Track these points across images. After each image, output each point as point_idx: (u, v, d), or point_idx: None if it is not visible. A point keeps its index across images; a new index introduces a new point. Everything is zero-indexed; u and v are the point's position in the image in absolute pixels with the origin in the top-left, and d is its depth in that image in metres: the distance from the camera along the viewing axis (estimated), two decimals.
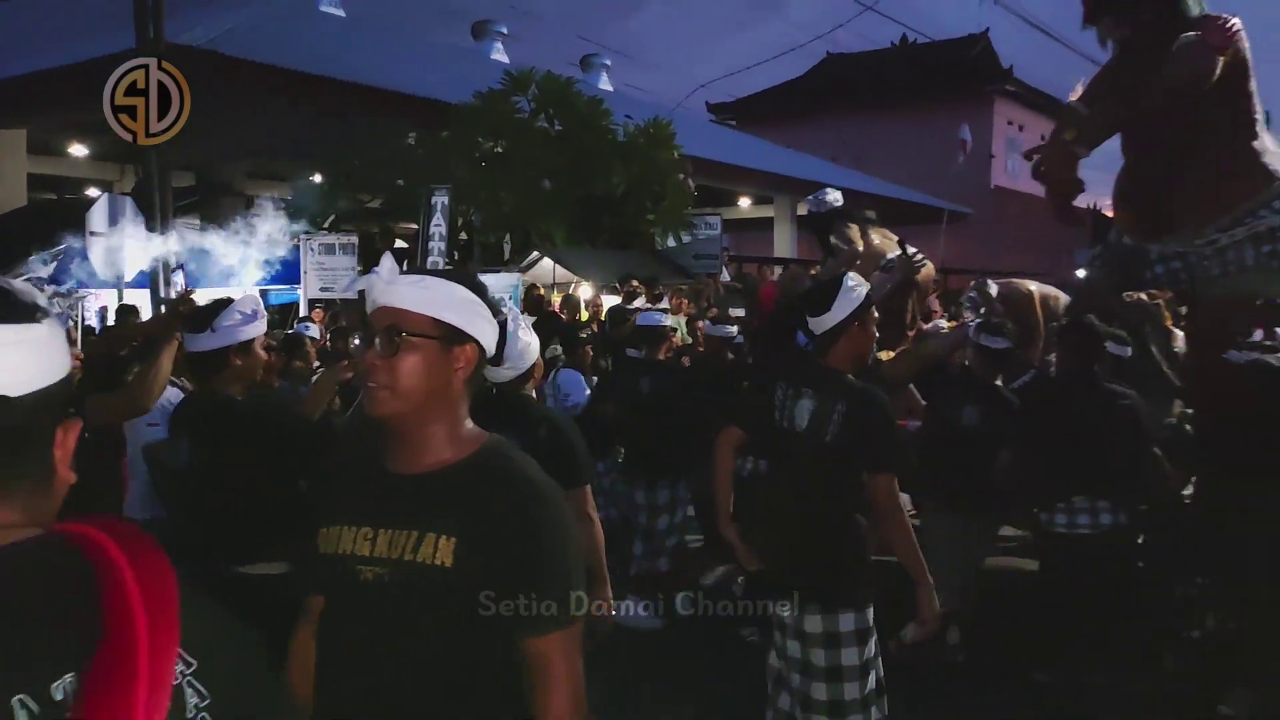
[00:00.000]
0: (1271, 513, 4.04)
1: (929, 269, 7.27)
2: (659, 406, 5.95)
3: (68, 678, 0.95)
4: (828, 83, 36.90)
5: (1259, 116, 5.23)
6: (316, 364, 7.18)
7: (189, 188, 17.06)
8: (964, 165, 19.26)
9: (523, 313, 9.76)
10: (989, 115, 32.64)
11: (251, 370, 3.52)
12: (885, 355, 5.56)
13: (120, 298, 9.84)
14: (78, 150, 17.79)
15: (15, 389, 1.02)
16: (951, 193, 17.71)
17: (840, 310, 3.35)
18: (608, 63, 25.82)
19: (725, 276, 15.67)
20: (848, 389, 3.32)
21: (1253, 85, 5.15)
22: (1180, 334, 6.85)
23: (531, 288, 11.88)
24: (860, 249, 6.97)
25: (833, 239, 7.07)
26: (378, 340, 1.72)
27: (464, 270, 1.89)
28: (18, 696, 0.93)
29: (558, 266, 13.43)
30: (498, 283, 11.90)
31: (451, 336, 1.77)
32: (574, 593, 1.73)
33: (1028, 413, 5.04)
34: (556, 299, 11.90)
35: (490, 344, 1.85)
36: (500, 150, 14.63)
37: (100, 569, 1.01)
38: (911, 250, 6.67)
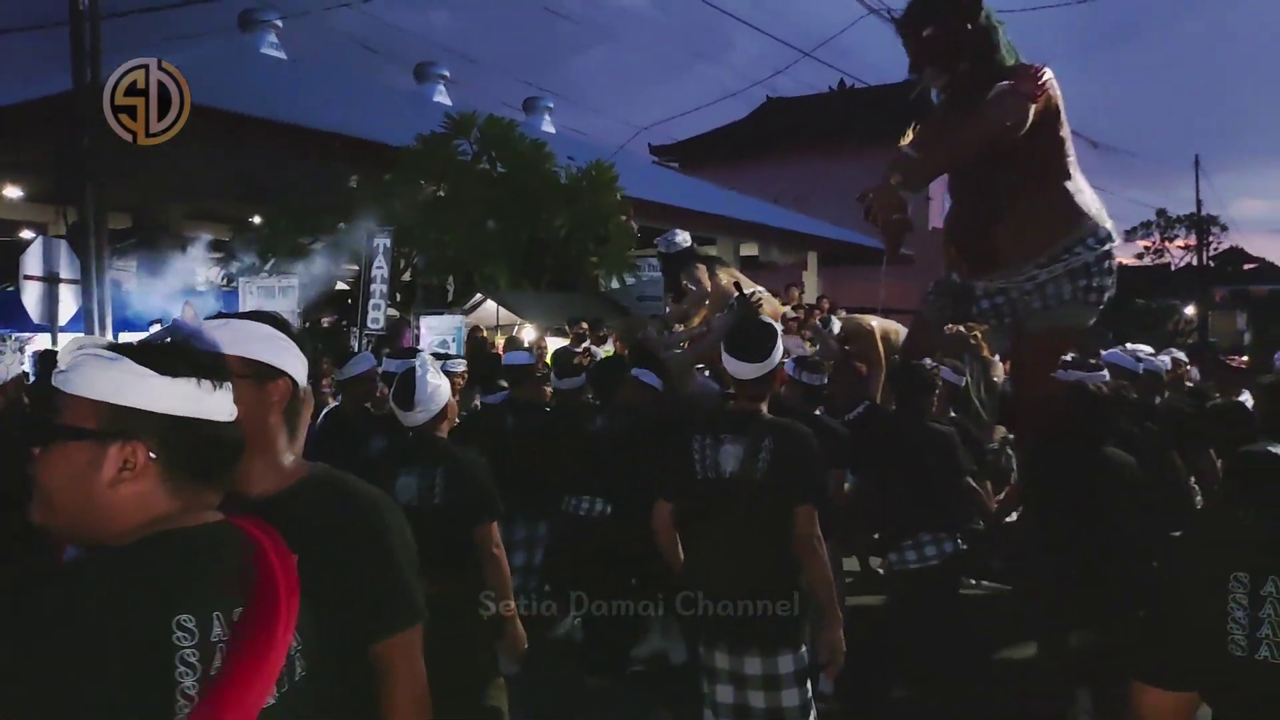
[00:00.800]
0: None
1: (772, 306, 7.40)
2: (520, 444, 5.92)
3: (235, 610, 1.34)
4: (768, 126, 37.36)
5: (1072, 158, 5.66)
6: None
7: (125, 230, 16.83)
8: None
9: (465, 355, 9.76)
10: None
11: None
12: None
13: (54, 341, 9.66)
14: (12, 192, 17.47)
15: (232, 415, 1.48)
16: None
17: (777, 356, 3.42)
18: (550, 105, 25.96)
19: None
20: (771, 426, 3.39)
21: (1065, 131, 5.58)
22: (999, 363, 7.46)
23: (474, 330, 11.86)
24: (708, 289, 7.24)
25: (683, 279, 7.34)
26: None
27: (267, 312, 1.92)
28: (181, 617, 1.28)
29: (501, 308, 13.41)
30: (441, 325, 11.87)
31: (264, 372, 1.80)
32: (410, 596, 1.84)
33: (860, 444, 5.15)
34: (500, 341, 11.87)
35: (301, 377, 1.88)
36: (442, 193, 14.62)
37: (255, 546, 1.42)
38: (749, 290, 6.84)
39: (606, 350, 10.63)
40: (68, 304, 9.85)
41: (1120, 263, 6.54)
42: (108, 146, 10.28)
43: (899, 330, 7.25)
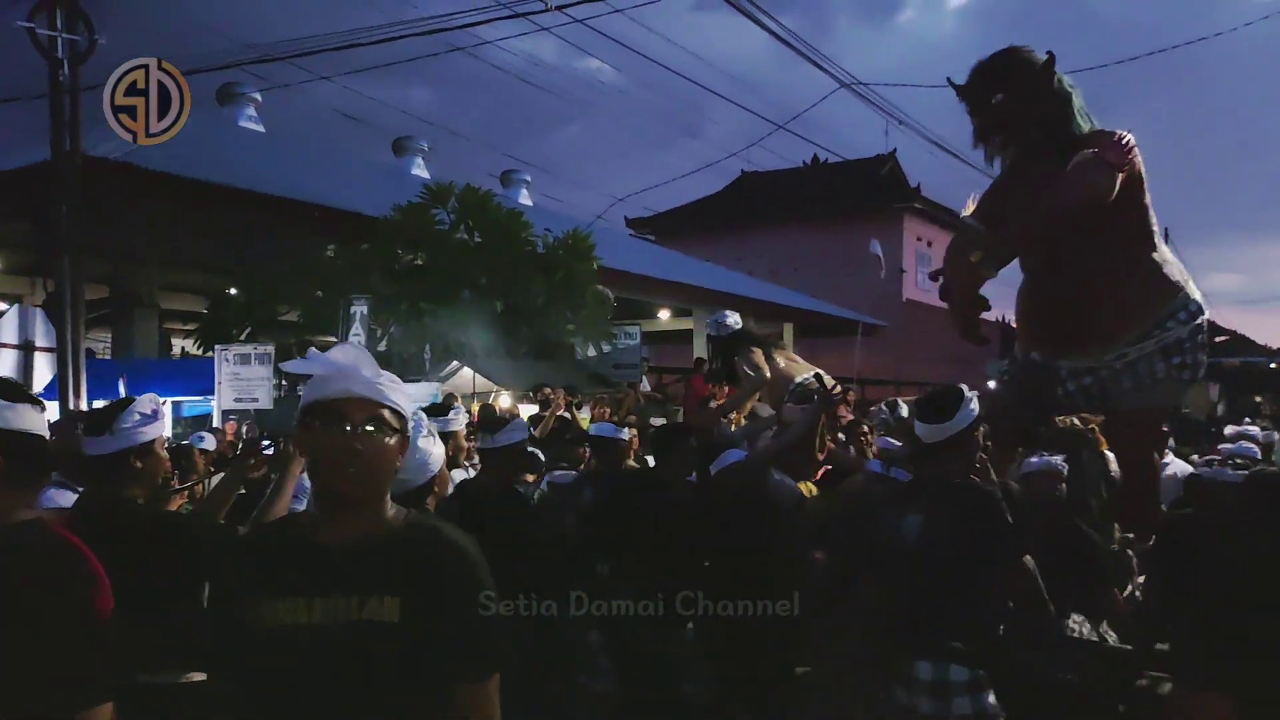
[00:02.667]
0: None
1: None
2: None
3: None
4: (743, 199, 37.90)
5: (1156, 228, 5.30)
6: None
7: (100, 300, 16.82)
8: (877, 279, 19.87)
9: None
10: (899, 231, 33.76)
11: (153, 473, 3.40)
12: (804, 487, 5.48)
13: None
14: None
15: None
16: (865, 306, 18.19)
17: (963, 419, 3.47)
18: (527, 178, 26.26)
19: (645, 386, 15.80)
20: (956, 491, 3.42)
21: (1148, 198, 5.20)
22: (1113, 456, 6.59)
23: (450, 397, 11.85)
24: (767, 375, 6.80)
25: (740, 364, 6.88)
26: (360, 428, 1.88)
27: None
28: None
29: (477, 376, 13.43)
30: (417, 392, 11.85)
31: (403, 424, 1.99)
32: (498, 646, 1.95)
33: None
34: (475, 408, 11.87)
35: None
36: (420, 261, 14.71)
37: None
38: (830, 382, 6.35)
39: (583, 417, 10.66)
40: (43, 372, 9.80)
41: None
42: (85, 217, 10.35)
43: None
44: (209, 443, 8.47)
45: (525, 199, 24.62)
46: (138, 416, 3.30)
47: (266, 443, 3.99)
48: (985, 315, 5.23)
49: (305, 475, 3.29)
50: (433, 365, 14.54)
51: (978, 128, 5.26)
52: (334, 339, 12.46)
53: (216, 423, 11.34)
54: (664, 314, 24.85)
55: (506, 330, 14.75)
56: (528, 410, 11.16)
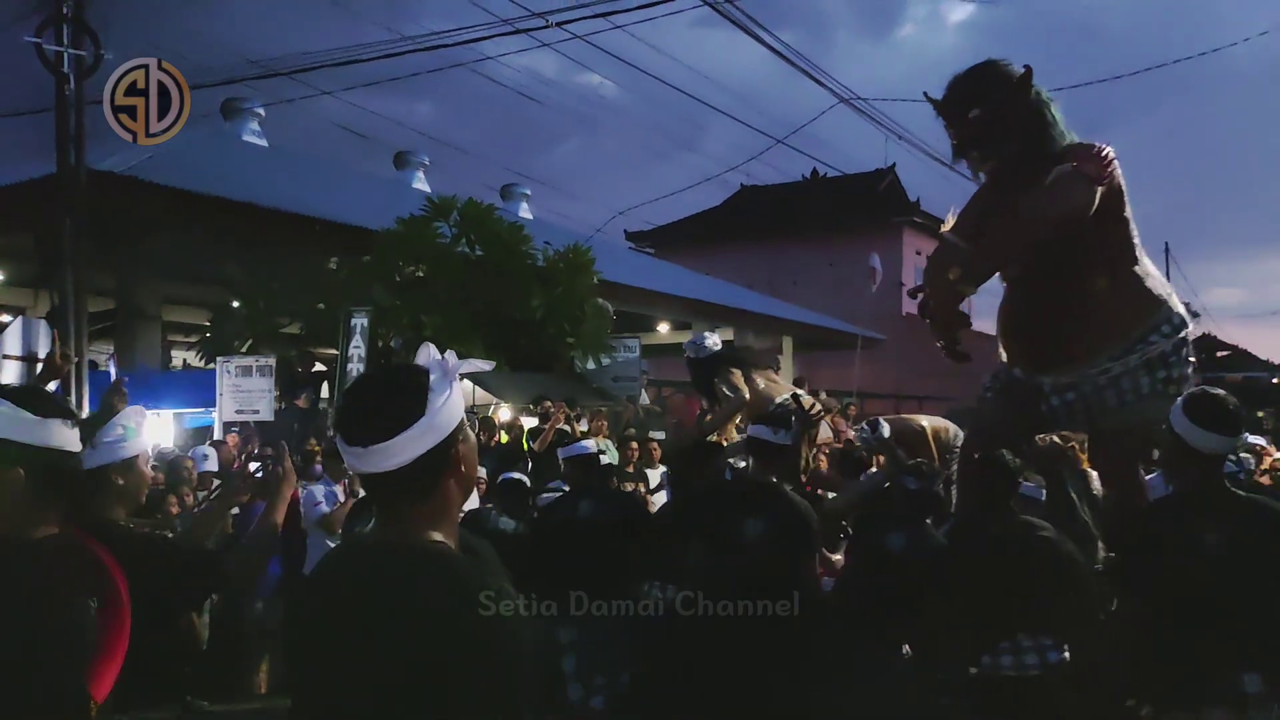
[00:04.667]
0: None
1: (830, 415, 7.23)
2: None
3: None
4: (743, 212, 37.96)
5: (1138, 241, 5.21)
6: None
7: (103, 312, 16.90)
8: (876, 293, 19.92)
9: None
10: (898, 245, 33.84)
11: (135, 491, 3.26)
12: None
13: None
14: None
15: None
16: (864, 319, 18.25)
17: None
18: (528, 192, 26.33)
19: (644, 400, 15.87)
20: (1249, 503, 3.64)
21: (1129, 211, 5.13)
22: (1095, 475, 6.50)
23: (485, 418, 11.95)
24: (746, 396, 6.72)
25: (719, 385, 6.81)
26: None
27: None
28: None
29: (477, 388, 13.49)
30: None
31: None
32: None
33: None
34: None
35: None
36: (421, 274, 14.79)
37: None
38: (808, 403, 6.34)
39: (582, 429, 10.73)
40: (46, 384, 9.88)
41: None
42: (89, 231, 10.44)
43: (949, 428, 6.80)
44: (211, 461, 8.49)
45: (526, 213, 24.71)
46: (120, 430, 3.17)
47: (254, 465, 3.77)
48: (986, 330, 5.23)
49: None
50: None
51: (956, 143, 5.21)
52: (334, 351, 12.55)
53: (218, 434, 11.42)
54: (663, 327, 24.92)
55: (505, 343, 14.82)
56: (528, 422, 11.24)
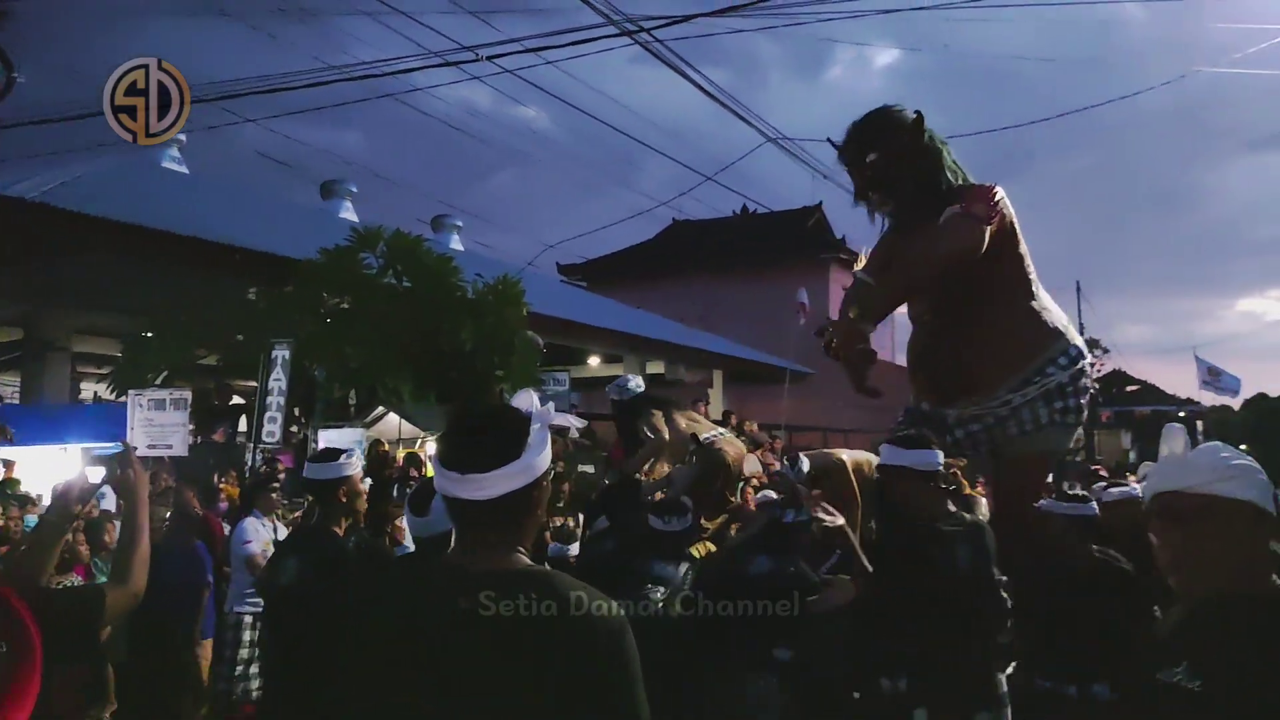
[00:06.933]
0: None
1: (735, 449, 7.21)
2: None
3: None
4: (674, 247, 38.12)
5: (1034, 276, 5.45)
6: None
7: (13, 343, 16.28)
8: (804, 327, 19.97)
9: (365, 472, 9.51)
10: (825, 281, 34.11)
11: None
12: (699, 550, 5.41)
13: None
14: None
15: None
16: (793, 354, 18.28)
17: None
18: (459, 223, 26.08)
19: (574, 433, 15.66)
20: None
21: (1023, 247, 5.36)
22: (982, 499, 6.97)
23: (376, 443, 11.63)
24: (666, 437, 6.87)
25: (641, 426, 6.94)
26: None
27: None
28: None
29: (404, 422, 13.20)
30: (341, 438, 11.61)
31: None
32: None
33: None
34: (401, 455, 11.66)
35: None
36: (346, 306, 14.46)
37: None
38: (705, 438, 6.67)
39: None
40: None
41: None
42: None
43: (871, 460, 6.65)
44: (110, 500, 8.05)
45: (457, 244, 24.46)
46: None
47: (98, 481, 3.31)
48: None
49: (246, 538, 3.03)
50: (358, 410, 14.27)
51: (857, 186, 5.46)
52: (254, 384, 12.17)
53: None
54: (594, 360, 24.79)
55: (434, 375, 14.54)
56: None
